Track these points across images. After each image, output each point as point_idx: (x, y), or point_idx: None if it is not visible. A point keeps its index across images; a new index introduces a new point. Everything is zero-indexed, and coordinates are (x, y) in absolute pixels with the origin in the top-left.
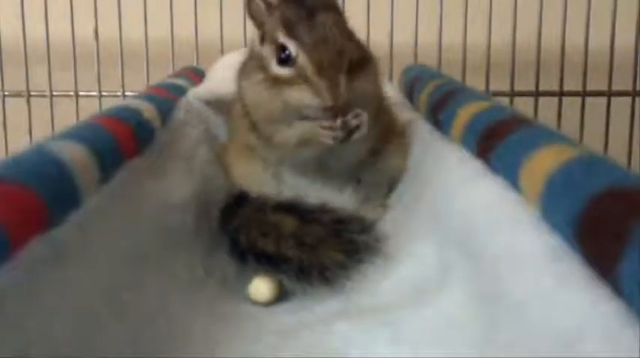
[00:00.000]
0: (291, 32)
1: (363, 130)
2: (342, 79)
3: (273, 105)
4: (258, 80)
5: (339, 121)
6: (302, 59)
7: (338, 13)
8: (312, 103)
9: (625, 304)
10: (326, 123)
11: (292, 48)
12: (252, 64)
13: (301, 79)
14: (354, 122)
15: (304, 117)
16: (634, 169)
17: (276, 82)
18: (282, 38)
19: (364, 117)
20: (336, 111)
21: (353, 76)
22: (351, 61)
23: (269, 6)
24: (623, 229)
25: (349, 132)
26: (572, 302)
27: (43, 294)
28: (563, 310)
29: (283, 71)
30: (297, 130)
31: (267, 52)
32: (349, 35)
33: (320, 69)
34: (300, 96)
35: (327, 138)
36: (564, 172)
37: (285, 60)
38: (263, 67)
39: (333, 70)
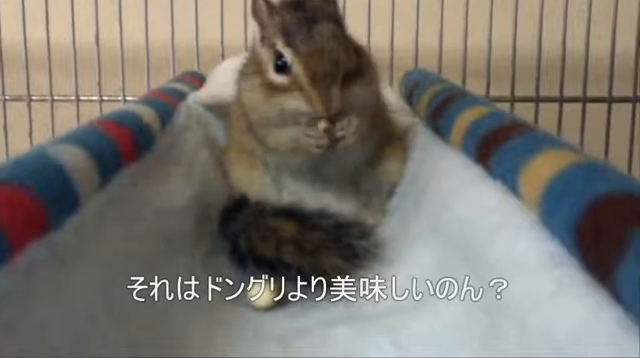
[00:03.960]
0: (288, 41)
1: (350, 140)
2: (336, 90)
3: (268, 110)
4: (255, 84)
5: (321, 126)
6: (297, 68)
7: (337, 22)
8: (306, 111)
9: (623, 309)
10: (308, 131)
11: (288, 56)
12: (251, 67)
13: (296, 87)
14: (339, 133)
15: (298, 123)
16: (634, 175)
17: (272, 87)
18: (280, 46)
19: (353, 126)
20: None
21: (349, 85)
22: (347, 70)
23: (271, 9)
24: (622, 235)
25: (334, 140)
26: (571, 307)
27: (41, 298)
28: (563, 316)
29: (279, 78)
30: (287, 136)
31: (266, 56)
32: (347, 45)
33: (314, 79)
34: (295, 103)
35: (311, 146)
36: (564, 178)
37: (281, 67)
38: (261, 71)
39: (327, 81)
